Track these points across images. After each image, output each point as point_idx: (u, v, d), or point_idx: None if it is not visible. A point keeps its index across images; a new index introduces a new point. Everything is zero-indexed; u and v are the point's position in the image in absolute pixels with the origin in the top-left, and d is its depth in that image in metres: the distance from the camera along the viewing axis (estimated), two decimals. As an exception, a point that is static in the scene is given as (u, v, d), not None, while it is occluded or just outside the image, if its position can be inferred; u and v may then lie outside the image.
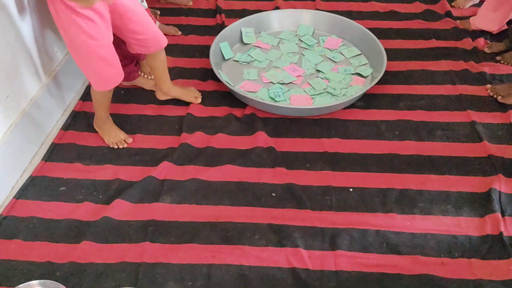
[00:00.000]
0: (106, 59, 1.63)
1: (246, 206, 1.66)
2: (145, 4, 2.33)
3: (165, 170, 1.78)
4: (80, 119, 2.01)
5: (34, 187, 1.72)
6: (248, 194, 1.70)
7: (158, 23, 2.43)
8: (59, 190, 1.71)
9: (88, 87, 2.13)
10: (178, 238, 1.56)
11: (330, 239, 1.55)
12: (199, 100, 2.06)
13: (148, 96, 2.13)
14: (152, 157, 1.84)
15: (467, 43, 2.39)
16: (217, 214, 1.63)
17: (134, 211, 1.64)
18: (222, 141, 1.90)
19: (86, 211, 1.64)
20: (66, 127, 1.96)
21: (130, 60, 2.10)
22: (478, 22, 2.45)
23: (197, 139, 1.91)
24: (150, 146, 1.89)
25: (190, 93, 2.06)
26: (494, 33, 2.43)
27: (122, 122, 1.98)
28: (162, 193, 1.70)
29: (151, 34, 1.77)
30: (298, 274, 1.44)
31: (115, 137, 1.88)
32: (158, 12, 2.63)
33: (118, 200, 1.66)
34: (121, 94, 2.14)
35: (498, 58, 2.28)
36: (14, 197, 1.68)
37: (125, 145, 1.88)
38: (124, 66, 2.07)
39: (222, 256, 1.50)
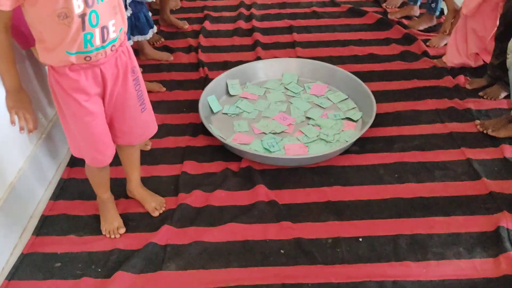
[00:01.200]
0: (101, 133, 1.49)
1: (256, 266, 1.59)
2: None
3: (166, 235, 1.70)
4: (69, 187, 1.91)
5: (27, 265, 1.60)
6: (256, 253, 1.63)
7: None
8: (54, 266, 1.60)
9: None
10: (188, 309, 1.47)
11: (348, 295, 1.49)
12: (156, 214, 1.77)
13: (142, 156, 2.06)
14: (150, 222, 1.76)
15: (448, 81, 2.46)
16: (227, 278, 1.55)
17: (137, 283, 1.54)
18: (221, 198, 1.84)
19: (85, 287, 1.53)
20: (56, 197, 1.86)
21: None
22: (449, 59, 2.54)
23: (195, 198, 1.84)
24: (147, 210, 1.81)
25: (152, 203, 1.79)
26: (473, 67, 2.51)
27: (114, 184, 1.90)
28: (166, 260, 1.61)
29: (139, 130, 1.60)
30: (321, 337, 1.37)
31: (110, 225, 1.71)
32: (141, 69, 2.60)
33: (119, 272, 1.56)
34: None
35: (480, 94, 2.35)
36: (6, 278, 1.55)
37: (118, 236, 1.69)
38: None
39: (237, 327, 1.42)
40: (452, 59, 2.53)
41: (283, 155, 2.01)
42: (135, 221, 1.77)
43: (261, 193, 1.85)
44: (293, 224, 1.73)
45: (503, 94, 2.31)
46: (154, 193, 1.84)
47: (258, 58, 2.68)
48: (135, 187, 1.81)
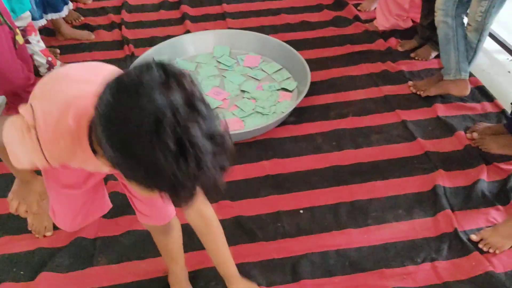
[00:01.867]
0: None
1: (193, 251, 1.50)
2: (42, 44, 2.11)
3: (95, 227, 1.57)
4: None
5: None
6: (194, 237, 1.52)
7: (59, 63, 2.21)
8: (-32, 274, 1.44)
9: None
10: (123, 305, 1.36)
11: (291, 270, 1.44)
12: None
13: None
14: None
15: (380, 44, 2.44)
16: (164, 267, 1.45)
17: (66, 283, 1.42)
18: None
19: (6, 293, 1.38)
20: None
21: None
22: (380, 22, 2.52)
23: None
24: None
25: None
26: (404, 27, 2.51)
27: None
28: (96, 254, 1.49)
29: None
30: (266, 318, 1.32)
31: (39, 223, 1.51)
32: (58, 51, 2.40)
33: (44, 273, 1.42)
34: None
35: (412, 55, 2.35)
36: None
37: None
38: None
39: (178, 315, 1.33)
40: (382, 22, 2.51)
41: (217, 131, 1.91)
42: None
43: (197, 172, 1.75)
44: (232, 202, 1.65)
45: (434, 54, 2.33)
46: None
47: (188, 32, 2.54)
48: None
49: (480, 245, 1.47)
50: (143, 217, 1.22)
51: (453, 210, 1.59)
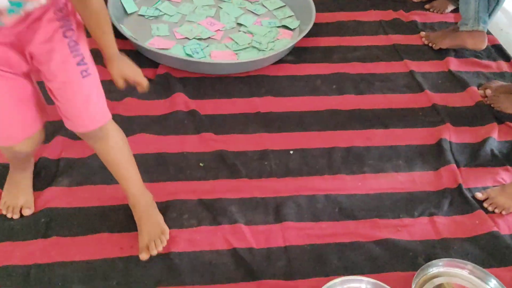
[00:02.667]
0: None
1: (169, 181, 1.34)
2: None
3: (59, 147, 1.39)
4: None
5: None
6: (170, 167, 1.38)
7: None
8: None
9: None
10: (81, 228, 1.20)
11: (274, 210, 1.28)
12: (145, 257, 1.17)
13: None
14: (41, 131, 1.44)
15: (393, -9, 2.24)
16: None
17: (19, 200, 1.24)
18: (131, 106, 1.55)
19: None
20: None
21: None
22: None
23: (99, 106, 1.53)
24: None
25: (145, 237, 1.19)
26: None
27: None
28: (58, 174, 1.32)
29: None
30: (241, 255, 1.17)
31: (13, 199, 1.21)
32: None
33: (-4, 188, 1.25)
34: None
35: (426, 6, 2.16)
36: None
37: (16, 216, 1.20)
38: None
39: (142, 245, 1.17)
40: None
41: (207, 59, 1.73)
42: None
43: (180, 102, 1.57)
44: (216, 135, 1.48)
45: (450, 8, 2.14)
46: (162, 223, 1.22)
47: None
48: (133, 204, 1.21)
49: (485, 204, 1.33)
50: (69, 122, 1.04)
51: (458, 166, 1.44)
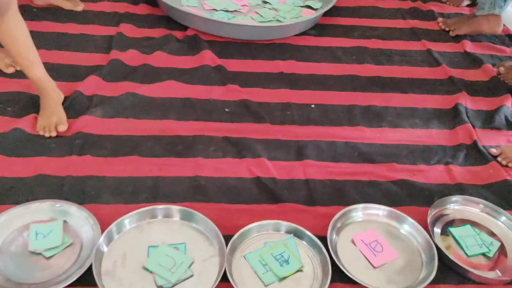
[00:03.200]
0: None
1: (196, 120, 1.40)
2: None
3: (93, 85, 1.47)
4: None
5: None
6: (198, 109, 1.45)
7: None
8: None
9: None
10: (113, 151, 1.26)
11: (295, 151, 1.34)
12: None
13: (68, 15, 1.80)
14: (74, 74, 1.52)
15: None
16: (161, 128, 1.36)
17: (54, 125, 1.31)
18: (161, 59, 1.63)
19: (-5, 123, 1.28)
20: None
21: None
22: None
23: (130, 57, 1.62)
24: (71, 62, 1.56)
25: (5, 59, 1.47)
26: None
27: (34, 39, 1.63)
28: (91, 106, 1.39)
29: None
30: (264, 183, 1.22)
31: (47, 119, 1.29)
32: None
33: (32, 114, 1.32)
34: (33, 12, 1.78)
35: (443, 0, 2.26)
36: None
37: (53, 134, 1.27)
38: None
39: (171, 169, 1.23)
40: None
41: (234, 21, 1.82)
42: (56, 70, 1.51)
43: (207, 58, 1.65)
44: (241, 88, 1.55)
45: (466, 2, 2.24)
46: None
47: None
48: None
49: (499, 159, 1.37)
50: None
51: (474, 127, 1.49)
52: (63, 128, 1.28)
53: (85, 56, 1.61)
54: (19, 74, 1.45)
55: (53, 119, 1.28)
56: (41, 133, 1.27)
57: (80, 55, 1.60)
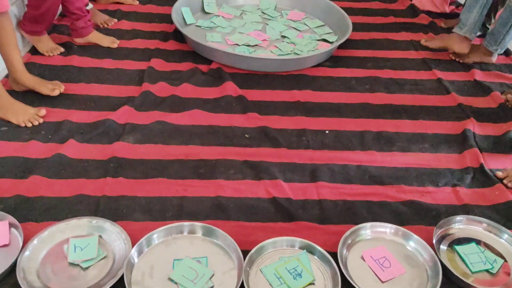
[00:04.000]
0: None
1: (218, 145, 1.53)
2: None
3: (126, 115, 1.62)
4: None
5: (-28, 126, 1.49)
6: (219, 135, 1.57)
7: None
8: (0, 130, 1.50)
9: None
10: (143, 174, 1.39)
11: (310, 173, 1.44)
12: (57, 92, 1.65)
13: (105, 51, 1.98)
14: (109, 104, 1.67)
15: (423, 19, 2.47)
16: (187, 153, 1.48)
17: (91, 150, 1.46)
18: (187, 90, 1.78)
19: (34, 149, 1.43)
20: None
21: (81, 12, 1.94)
22: (420, 3, 2.56)
23: (160, 88, 1.77)
24: (107, 94, 1.73)
25: (48, 84, 1.66)
26: (442, 12, 2.54)
27: (74, 73, 1.81)
28: (124, 134, 1.53)
29: None
30: (280, 202, 1.32)
31: (24, 114, 1.52)
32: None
33: (71, 140, 1.47)
34: (73, 49, 1.97)
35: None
36: None
37: (41, 121, 1.53)
38: (75, 20, 1.92)
39: (195, 189, 1.35)
40: (422, 4, 2.56)
41: (254, 54, 1.96)
42: (94, 101, 1.67)
43: (230, 88, 1.79)
44: (260, 116, 1.68)
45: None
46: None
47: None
48: (23, 73, 1.61)
49: (505, 181, 1.44)
50: None
51: (481, 151, 1.57)
52: (43, 112, 1.54)
53: (119, 88, 1.77)
54: (58, 104, 1.62)
55: (29, 111, 1.52)
56: (28, 125, 1.51)
57: (115, 88, 1.76)
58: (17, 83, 1.65)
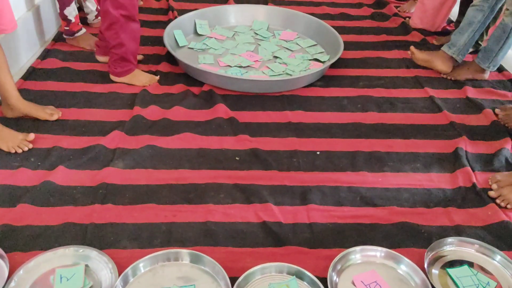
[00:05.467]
0: None
1: (208, 169, 1.52)
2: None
3: (116, 139, 1.61)
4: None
5: (-39, 154, 1.49)
6: (210, 159, 1.57)
7: None
8: (-10, 157, 1.50)
9: None
10: (132, 199, 1.38)
11: (300, 195, 1.43)
12: (55, 117, 1.65)
13: (99, 76, 1.99)
14: (100, 129, 1.67)
15: (416, 36, 2.48)
16: (176, 177, 1.48)
17: (80, 176, 1.45)
18: (179, 113, 1.78)
19: (23, 176, 1.43)
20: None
21: None
22: (414, 22, 2.58)
23: (151, 112, 1.77)
24: (98, 118, 1.72)
25: (45, 109, 1.66)
26: (432, 31, 2.56)
27: (67, 98, 1.82)
28: (114, 159, 1.53)
29: None
30: (270, 227, 1.31)
31: (13, 140, 1.51)
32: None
33: (61, 167, 1.47)
34: (67, 73, 1.98)
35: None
36: None
37: (30, 146, 1.52)
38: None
39: (184, 215, 1.34)
40: (416, 21, 2.57)
41: (246, 76, 1.97)
42: (85, 126, 1.67)
43: (221, 111, 1.79)
44: (251, 137, 1.67)
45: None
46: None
47: (230, 8, 2.64)
48: (18, 99, 1.61)
49: (497, 201, 1.43)
50: None
51: (473, 171, 1.56)
52: (32, 136, 1.54)
53: (111, 112, 1.77)
54: (49, 130, 1.62)
55: (18, 137, 1.52)
56: (18, 151, 1.50)
57: (107, 112, 1.76)
58: (11, 110, 1.64)
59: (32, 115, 1.64)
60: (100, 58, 2.05)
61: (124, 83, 1.92)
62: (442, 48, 2.11)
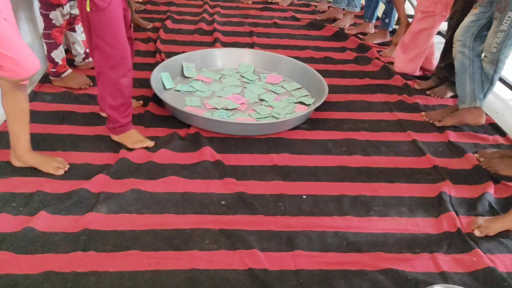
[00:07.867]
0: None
1: (193, 214, 1.51)
2: (83, 35, 2.27)
3: (101, 183, 1.60)
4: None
5: None
6: (195, 203, 1.56)
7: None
8: (-30, 202, 1.46)
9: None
10: (115, 246, 1.35)
11: (286, 241, 1.42)
12: (61, 172, 1.62)
13: (86, 117, 1.98)
14: (84, 173, 1.65)
15: (398, 80, 2.54)
16: (161, 222, 1.46)
17: (62, 222, 1.43)
18: (165, 156, 1.77)
19: (4, 222, 1.40)
20: None
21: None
22: (397, 67, 2.65)
23: (137, 155, 1.76)
24: (83, 161, 1.71)
25: (52, 163, 1.63)
26: (416, 74, 2.63)
27: (54, 141, 1.81)
28: (97, 203, 1.50)
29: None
30: (256, 274, 1.29)
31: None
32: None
33: (42, 212, 1.44)
34: (54, 115, 1.97)
35: (428, 92, 2.43)
36: None
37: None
38: None
39: (168, 262, 1.31)
40: (400, 66, 2.64)
41: (232, 119, 1.99)
42: (69, 170, 1.66)
43: (207, 154, 1.79)
44: (237, 181, 1.67)
45: (450, 94, 2.41)
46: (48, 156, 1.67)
47: (217, 52, 2.70)
48: (27, 151, 1.59)
49: (475, 233, 1.46)
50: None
51: (457, 215, 1.57)
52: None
53: (97, 155, 1.75)
54: (33, 173, 1.60)
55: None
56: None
57: (92, 155, 1.75)
58: (18, 159, 1.61)
59: (39, 168, 1.61)
60: (104, 113, 2.02)
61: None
62: (459, 107, 2.08)
